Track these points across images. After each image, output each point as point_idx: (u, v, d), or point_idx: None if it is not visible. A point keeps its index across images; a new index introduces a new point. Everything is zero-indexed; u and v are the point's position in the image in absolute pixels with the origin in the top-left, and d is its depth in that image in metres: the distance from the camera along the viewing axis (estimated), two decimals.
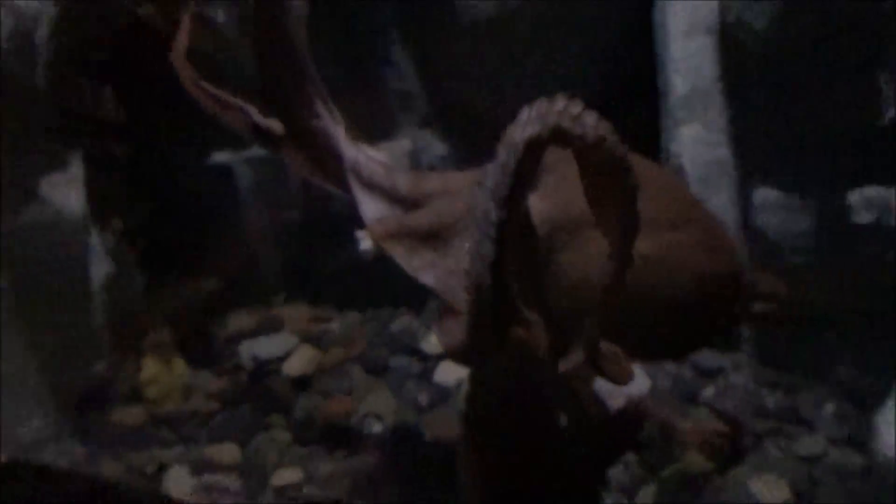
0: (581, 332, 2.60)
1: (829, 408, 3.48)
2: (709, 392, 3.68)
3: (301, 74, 2.97)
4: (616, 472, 3.31)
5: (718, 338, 2.75)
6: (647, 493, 3.23)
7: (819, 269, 3.52)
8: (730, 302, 2.59)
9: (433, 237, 2.84)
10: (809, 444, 3.36)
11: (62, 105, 3.48)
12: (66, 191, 3.43)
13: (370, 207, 2.91)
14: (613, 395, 3.40)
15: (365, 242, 3.02)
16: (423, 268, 2.82)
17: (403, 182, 2.94)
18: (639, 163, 2.52)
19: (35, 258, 3.31)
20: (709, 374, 3.76)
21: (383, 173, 2.94)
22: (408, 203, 2.91)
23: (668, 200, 2.57)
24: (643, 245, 2.35)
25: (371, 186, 2.94)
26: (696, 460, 3.32)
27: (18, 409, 3.09)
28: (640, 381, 3.64)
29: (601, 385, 3.41)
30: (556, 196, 2.59)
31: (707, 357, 3.80)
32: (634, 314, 2.50)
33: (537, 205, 2.58)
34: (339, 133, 3.00)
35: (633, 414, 3.39)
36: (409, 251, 2.85)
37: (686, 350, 2.82)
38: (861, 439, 3.22)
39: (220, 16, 3.93)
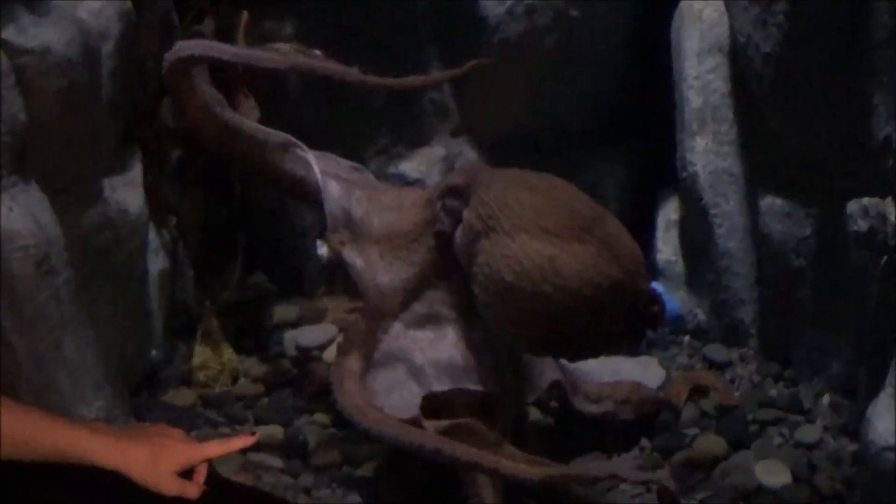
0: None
1: (826, 399, 3.63)
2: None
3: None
4: (630, 457, 3.42)
5: (622, 343, 2.84)
6: (660, 477, 3.25)
7: (818, 271, 3.65)
8: (627, 311, 2.75)
9: (383, 244, 3.11)
10: (808, 432, 3.48)
11: (124, 113, 3.62)
12: (127, 191, 3.55)
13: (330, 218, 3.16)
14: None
15: (322, 249, 3.21)
16: (364, 266, 3.11)
17: (361, 197, 3.19)
18: (550, 179, 2.92)
19: (98, 253, 3.43)
20: (718, 366, 3.91)
21: (343, 192, 3.19)
22: (364, 217, 3.15)
23: (574, 213, 2.78)
24: (549, 252, 2.67)
25: (333, 201, 3.18)
26: (706, 444, 3.43)
27: (80, 392, 3.11)
28: (655, 372, 3.80)
29: (622, 373, 3.61)
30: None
31: (716, 350, 3.97)
32: (536, 316, 2.73)
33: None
34: (310, 158, 3.27)
35: (649, 403, 3.55)
36: (358, 253, 3.12)
37: (583, 353, 2.92)
38: (854, 428, 3.31)
39: (287, 29, 4.12)
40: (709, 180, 3.91)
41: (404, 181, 4.30)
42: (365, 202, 3.19)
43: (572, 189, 2.92)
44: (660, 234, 4.30)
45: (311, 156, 3.28)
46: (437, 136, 4.44)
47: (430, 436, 2.79)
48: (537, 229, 2.71)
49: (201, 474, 1.97)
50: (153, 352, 3.82)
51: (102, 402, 3.18)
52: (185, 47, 3.25)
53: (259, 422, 3.61)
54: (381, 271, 3.10)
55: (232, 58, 3.38)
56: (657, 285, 4.20)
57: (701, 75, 3.91)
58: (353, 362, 3.01)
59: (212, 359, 3.82)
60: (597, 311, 2.70)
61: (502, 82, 4.23)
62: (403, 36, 4.26)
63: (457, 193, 2.93)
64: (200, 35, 3.74)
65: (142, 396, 3.69)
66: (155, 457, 1.92)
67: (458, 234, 2.91)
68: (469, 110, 4.42)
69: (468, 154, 4.44)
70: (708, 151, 3.90)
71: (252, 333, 4.07)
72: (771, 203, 3.72)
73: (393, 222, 3.12)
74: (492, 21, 4.13)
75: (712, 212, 3.92)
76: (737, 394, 3.72)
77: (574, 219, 2.75)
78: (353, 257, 3.14)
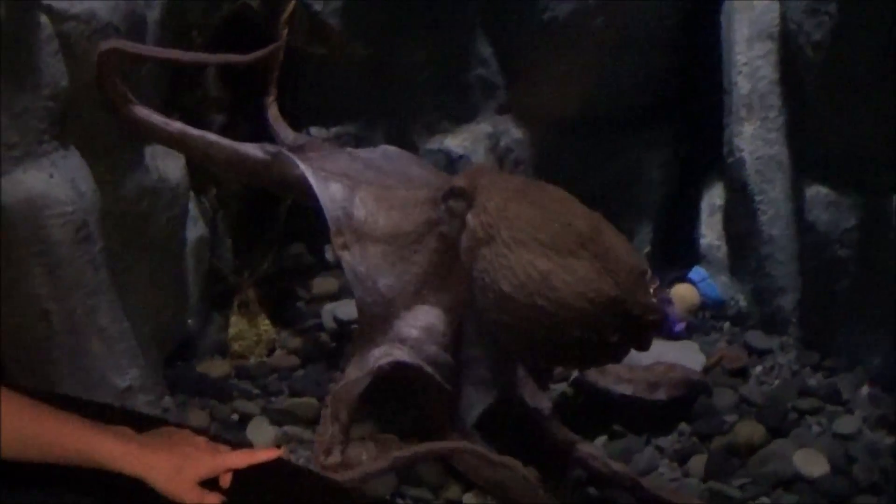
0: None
1: (865, 390, 3.61)
2: (758, 370, 3.80)
3: None
4: (668, 441, 3.42)
5: (621, 352, 2.89)
6: (698, 462, 3.30)
7: (861, 263, 3.62)
8: (624, 322, 2.77)
9: (387, 243, 3.14)
10: (846, 423, 3.46)
11: (168, 81, 3.64)
12: (168, 159, 3.54)
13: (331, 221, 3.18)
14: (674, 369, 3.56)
15: (329, 253, 3.20)
16: (365, 273, 3.15)
17: (366, 197, 3.21)
18: (552, 191, 2.97)
19: (137, 220, 3.42)
20: (758, 354, 3.89)
21: (346, 193, 3.21)
22: (367, 217, 3.19)
23: (570, 228, 2.81)
24: (544, 266, 2.74)
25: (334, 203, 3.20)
26: (745, 431, 3.40)
27: (115, 360, 3.11)
28: (695, 357, 3.79)
29: (663, 357, 3.59)
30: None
31: (756, 337, 3.95)
32: (531, 326, 2.79)
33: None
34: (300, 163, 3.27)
35: (683, 384, 3.54)
36: (360, 257, 3.15)
37: (579, 363, 3.07)
38: (893, 421, 3.35)
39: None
40: (755, 166, 3.90)
41: (448, 157, 4.29)
42: (370, 201, 3.22)
43: (572, 202, 2.95)
44: (704, 218, 4.28)
45: (300, 162, 3.28)
46: (484, 112, 4.41)
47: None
48: (534, 243, 2.78)
49: (225, 482, 1.98)
50: (189, 321, 3.81)
51: (137, 371, 3.19)
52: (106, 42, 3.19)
53: (294, 394, 3.61)
54: (384, 273, 3.14)
55: (145, 52, 3.36)
56: (699, 270, 4.21)
57: (750, 61, 3.89)
58: (336, 433, 3.06)
59: (248, 329, 3.82)
60: (591, 324, 2.75)
61: (551, 61, 4.21)
62: (451, 16, 4.24)
63: (461, 195, 2.98)
64: (248, 7, 3.78)
65: (176, 366, 3.70)
66: (178, 466, 1.92)
67: (463, 237, 2.97)
68: (517, 88, 4.38)
69: (514, 132, 4.41)
70: (755, 137, 3.89)
71: (289, 305, 4.08)
72: (816, 192, 3.69)
73: (398, 222, 3.16)
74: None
75: (757, 198, 3.91)
76: (776, 382, 3.72)
77: (570, 234, 2.79)
78: (355, 264, 3.16)
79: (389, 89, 4.32)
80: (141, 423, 2.10)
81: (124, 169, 3.36)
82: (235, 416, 3.51)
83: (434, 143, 4.35)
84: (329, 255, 3.19)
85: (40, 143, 2.95)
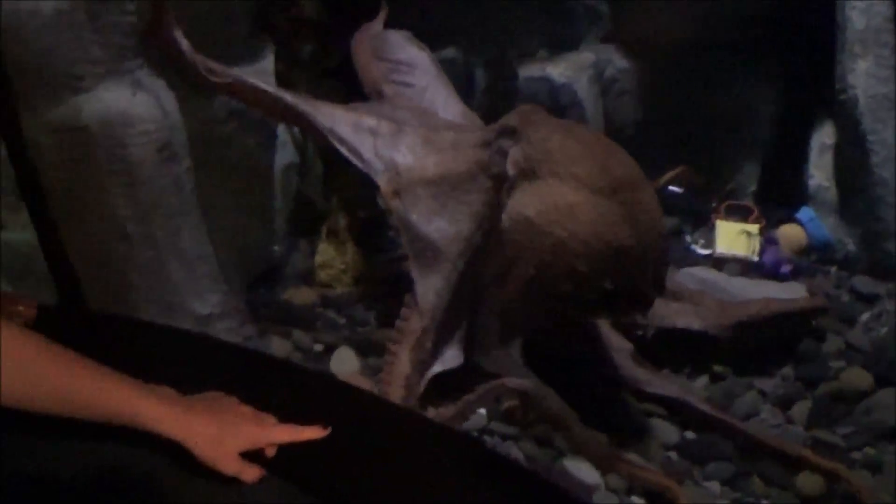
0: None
1: None
2: (865, 317, 3.70)
3: None
4: (771, 386, 3.35)
5: (619, 309, 2.93)
6: (801, 408, 3.24)
7: None
8: (632, 277, 2.83)
9: (438, 185, 3.13)
10: None
11: (260, 4, 3.57)
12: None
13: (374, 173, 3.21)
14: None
15: (381, 201, 3.18)
16: (417, 219, 3.13)
17: (414, 142, 3.21)
18: (600, 136, 3.06)
19: (222, 142, 3.38)
20: (867, 300, 3.79)
21: (383, 142, 3.22)
22: (415, 162, 3.19)
23: (608, 170, 2.85)
24: (572, 198, 2.81)
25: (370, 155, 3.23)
26: (852, 378, 3.32)
27: (196, 285, 3.10)
28: (796, 289, 3.75)
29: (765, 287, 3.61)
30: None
31: (863, 282, 3.85)
32: (546, 256, 2.86)
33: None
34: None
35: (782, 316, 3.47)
36: (411, 204, 3.14)
37: (580, 307, 3.00)
38: None
39: None
40: (868, 105, 3.77)
41: (550, 85, 4.20)
42: (419, 146, 3.20)
43: (618, 150, 2.98)
44: (813, 158, 4.16)
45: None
46: (587, 40, 4.35)
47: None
48: (569, 176, 2.83)
49: (270, 454, 1.94)
50: (275, 247, 3.76)
51: (219, 297, 3.16)
52: None
53: (381, 324, 3.53)
54: (436, 216, 3.12)
55: None
56: (807, 210, 4.12)
57: None
58: (403, 364, 3.03)
59: (335, 257, 3.77)
60: (602, 268, 2.80)
61: None
62: None
63: (511, 134, 3.00)
64: None
65: (260, 293, 3.66)
66: (221, 435, 1.87)
67: (507, 168, 2.98)
68: (622, 16, 4.32)
69: (618, 62, 4.34)
70: (869, 75, 3.76)
71: (379, 233, 3.98)
72: None
73: (449, 163, 3.15)
74: None
75: (870, 138, 3.78)
76: (883, 329, 3.62)
77: (606, 175, 2.84)
78: (405, 212, 3.14)
79: (490, 13, 4.24)
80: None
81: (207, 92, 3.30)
82: (319, 347, 3.46)
83: (535, 71, 4.26)
84: (380, 202, 3.15)
85: (123, 60, 2.90)
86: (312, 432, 1.95)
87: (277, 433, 1.93)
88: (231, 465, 1.85)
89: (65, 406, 1.80)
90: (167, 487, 1.88)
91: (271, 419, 1.96)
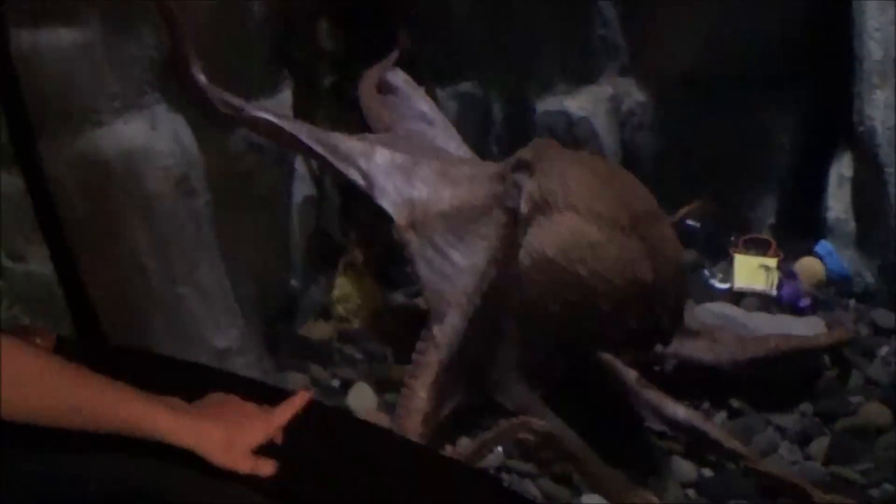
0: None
1: None
2: (884, 350, 3.66)
3: None
4: (790, 422, 3.32)
5: (634, 345, 2.97)
6: (820, 445, 3.21)
7: None
8: (649, 314, 2.81)
9: (454, 218, 3.13)
10: None
11: (277, 33, 3.55)
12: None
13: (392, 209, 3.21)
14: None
15: (395, 233, 3.19)
16: (432, 255, 3.15)
17: (428, 175, 3.22)
18: (617, 169, 3.10)
19: (241, 177, 3.37)
20: (884, 333, 3.76)
21: (401, 179, 3.22)
22: (431, 195, 3.19)
23: (627, 205, 2.84)
24: (593, 237, 2.80)
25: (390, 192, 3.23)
26: (870, 413, 3.30)
27: (214, 319, 3.10)
28: (816, 323, 3.70)
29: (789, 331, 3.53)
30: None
31: (883, 316, 3.81)
32: (565, 293, 2.85)
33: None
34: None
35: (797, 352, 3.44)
36: (427, 241, 3.15)
37: (595, 342, 3.04)
38: None
39: None
40: (886, 136, 3.75)
41: (568, 118, 4.19)
42: (434, 179, 3.21)
43: (635, 183, 2.99)
44: (831, 189, 4.14)
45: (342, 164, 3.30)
46: (606, 74, 4.32)
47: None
48: (588, 211, 2.82)
49: (278, 440, 1.95)
50: (292, 281, 3.76)
51: (235, 332, 3.17)
52: None
53: (399, 360, 3.50)
54: (452, 249, 3.13)
55: None
56: (825, 244, 4.09)
57: (883, 27, 3.73)
58: (420, 400, 3.01)
59: (353, 292, 3.76)
60: (625, 305, 2.78)
61: (676, 20, 4.11)
62: None
63: (526, 168, 2.99)
64: None
65: (277, 327, 3.64)
66: (230, 437, 1.88)
67: (521, 203, 2.97)
68: (640, 48, 4.28)
69: (636, 95, 4.32)
70: (888, 106, 3.74)
71: (397, 268, 3.89)
72: None
73: (464, 196, 3.15)
74: None
75: (888, 170, 3.76)
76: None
77: (626, 211, 2.83)
78: (421, 244, 3.15)
79: (508, 47, 4.22)
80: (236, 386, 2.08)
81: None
82: (336, 382, 3.47)
83: (553, 104, 4.25)
84: (395, 235, 3.15)
85: (142, 95, 2.92)
86: (300, 400, 1.96)
87: (279, 416, 1.94)
88: (245, 463, 1.87)
89: (76, 418, 1.80)
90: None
91: (269, 409, 1.96)
